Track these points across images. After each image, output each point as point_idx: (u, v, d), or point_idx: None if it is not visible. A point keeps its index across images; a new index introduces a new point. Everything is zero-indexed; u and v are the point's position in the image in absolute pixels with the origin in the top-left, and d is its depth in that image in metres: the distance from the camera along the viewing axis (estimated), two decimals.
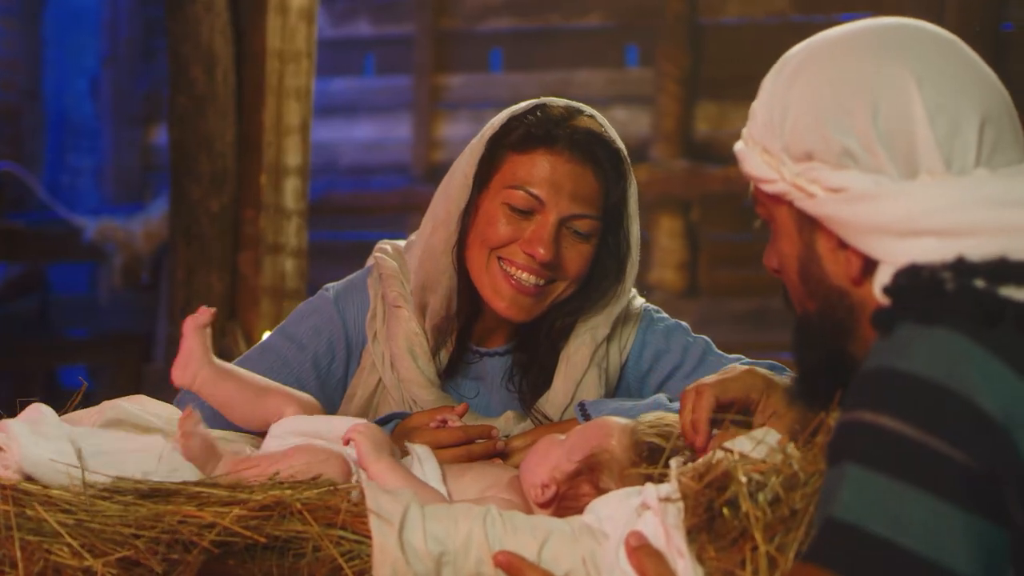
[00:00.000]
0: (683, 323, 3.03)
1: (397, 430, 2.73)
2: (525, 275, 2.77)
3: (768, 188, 1.99)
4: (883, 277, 1.84)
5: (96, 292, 8.75)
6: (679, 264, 7.76)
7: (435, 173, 8.26)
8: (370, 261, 3.02)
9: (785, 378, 2.45)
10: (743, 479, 1.96)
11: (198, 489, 2.24)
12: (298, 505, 2.17)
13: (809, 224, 1.95)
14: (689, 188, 7.74)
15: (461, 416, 2.72)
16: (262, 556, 2.15)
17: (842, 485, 1.68)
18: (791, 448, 2.02)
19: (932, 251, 1.80)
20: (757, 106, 2.02)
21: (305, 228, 5.60)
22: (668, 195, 7.59)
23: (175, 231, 5.49)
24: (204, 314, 2.60)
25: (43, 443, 2.30)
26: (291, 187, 5.52)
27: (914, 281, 1.77)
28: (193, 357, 2.58)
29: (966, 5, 6.98)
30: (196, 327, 2.59)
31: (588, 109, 2.85)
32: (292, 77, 5.46)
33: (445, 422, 2.69)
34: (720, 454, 2.04)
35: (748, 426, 2.34)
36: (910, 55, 1.90)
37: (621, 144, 2.84)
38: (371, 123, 8.57)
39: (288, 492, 2.21)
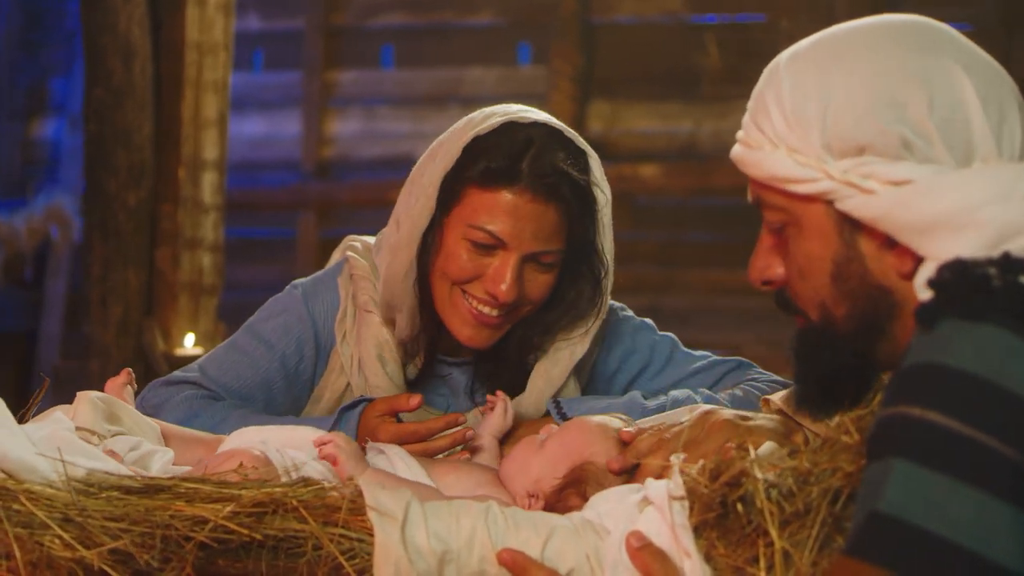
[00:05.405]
0: (648, 320, 3.02)
1: (365, 414, 2.70)
2: (487, 308, 2.75)
3: (802, 189, 1.93)
4: (927, 273, 1.83)
5: None
6: None
7: (326, 170, 8.20)
8: (337, 255, 2.99)
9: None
10: (759, 475, 1.95)
11: (187, 486, 2.19)
12: (295, 502, 2.13)
13: (851, 223, 1.92)
14: None
15: (415, 408, 2.69)
16: (256, 554, 2.11)
17: (888, 479, 1.66)
18: (803, 446, 2.02)
19: (984, 246, 1.80)
20: (769, 104, 1.96)
21: (222, 222, 5.54)
22: None
23: (90, 226, 5.39)
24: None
25: (16, 440, 2.25)
26: (208, 181, 5.44)
27: (959, 276, 1.76)
28: None
29: (856, 7, 7.06)
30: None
31: (553, 124, 2.75)
32: (210, 70, 5.39)
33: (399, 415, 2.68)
34: (732, 452, 2.02)
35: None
36: (950, 46, 1.92)
37: (590, 156, 2.77)
38: (260, 119, 8.49)
39: (282, 490, 2.17)
